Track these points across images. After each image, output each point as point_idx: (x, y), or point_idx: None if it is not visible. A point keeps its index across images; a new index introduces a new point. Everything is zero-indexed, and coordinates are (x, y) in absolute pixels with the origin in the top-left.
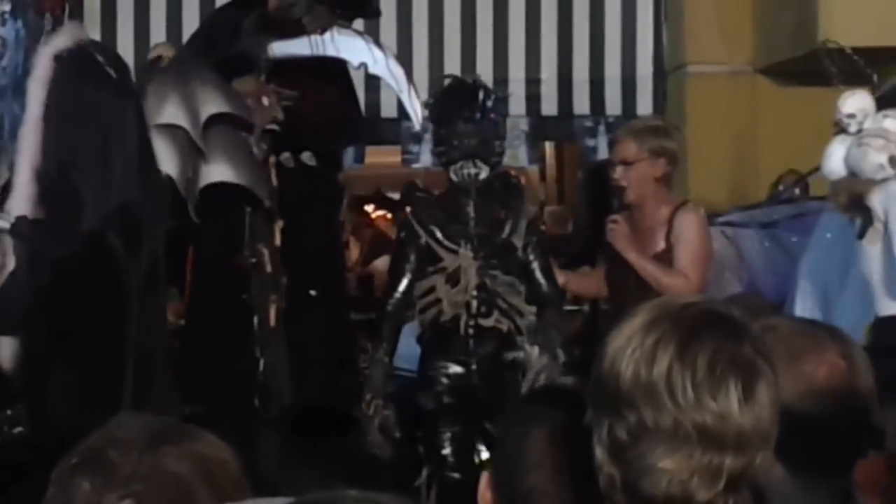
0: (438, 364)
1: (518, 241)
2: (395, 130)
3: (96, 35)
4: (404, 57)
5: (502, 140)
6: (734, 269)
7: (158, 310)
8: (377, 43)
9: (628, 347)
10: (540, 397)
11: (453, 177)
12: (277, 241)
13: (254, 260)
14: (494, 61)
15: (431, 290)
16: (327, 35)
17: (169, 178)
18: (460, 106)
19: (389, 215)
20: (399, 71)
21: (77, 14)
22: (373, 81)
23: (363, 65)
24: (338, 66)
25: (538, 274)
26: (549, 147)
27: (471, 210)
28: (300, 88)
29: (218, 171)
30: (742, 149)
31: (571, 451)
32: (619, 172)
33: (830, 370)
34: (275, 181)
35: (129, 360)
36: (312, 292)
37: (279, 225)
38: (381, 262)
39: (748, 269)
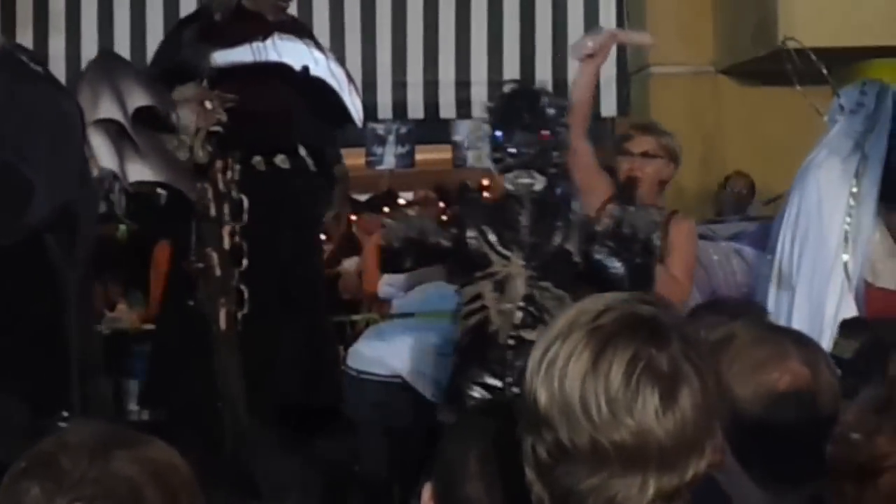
0: (472, 373)
1: (572, 248)
2: (358, 133)
3: (61, 41)
4: (369, 60)
5: (563, 150)
6: (697, 281)
7: (91, 315)
8: (318, 46)
9: (543, 362)
10: (482, 410)
11: (508, 186)
12: (226, 244)
13: (201, 265)
14: (456, 64)
15: (478, 296)
16: (269, 41)
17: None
18: (520, 113)
19: (354, 217)
20: (340, 71)
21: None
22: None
23: (305, 68)
24: (288, 70)
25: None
26: None
27: (524, 218)
28: (247, 92)
29: (137, 171)
30: (705, 149)
31: (507, 464)
32: (636, 163)
33: (793, 378)
34: (234, 184)
35: (71, 366)
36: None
37: (227, 229)
38: (349, 264)
39: (710, 281)
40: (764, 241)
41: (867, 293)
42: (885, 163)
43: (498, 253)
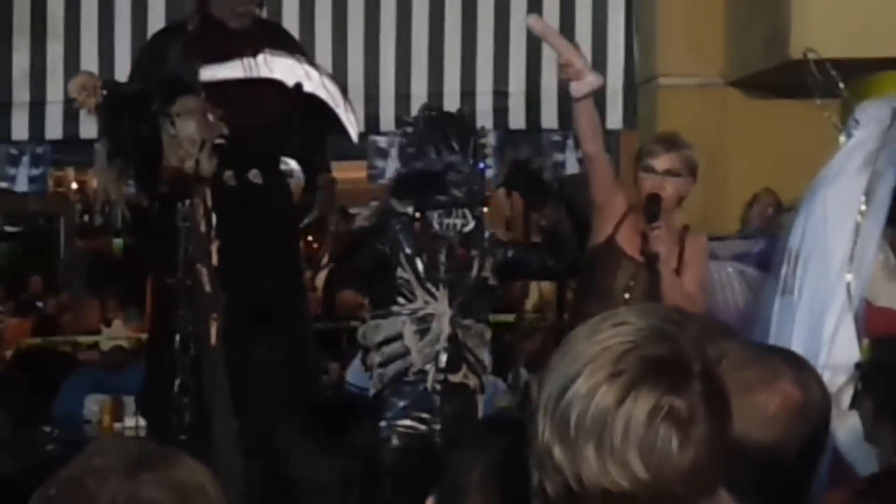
0: (395, 415)
1: (488, 272)
2: (360, 146)
3: (59, 49)
4: (371, 72)
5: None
6: None
7: None
8: (311, 62)
9: (560, 402)
10: (488, 426)
11: (435, 226)
12: (215, 260)
13: (189, 281)
14: (462, 74)
15: (398, 336)
16: (259, 57)
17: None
18: (441, 142)
19: None
20: (334, 88)
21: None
22: None
23: (298, 84)
24: (279, 86)
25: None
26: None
27: (442, 255)
28: (229, 106)
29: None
30: (713, 161)
31: (509, 481)
32: (659, 181)
33: (784, 400)
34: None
35: None
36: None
37: (216, 245)
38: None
39: (710, 302)
40: (768, 262)
41: (868, 313)
42: None
43: (424, 288)
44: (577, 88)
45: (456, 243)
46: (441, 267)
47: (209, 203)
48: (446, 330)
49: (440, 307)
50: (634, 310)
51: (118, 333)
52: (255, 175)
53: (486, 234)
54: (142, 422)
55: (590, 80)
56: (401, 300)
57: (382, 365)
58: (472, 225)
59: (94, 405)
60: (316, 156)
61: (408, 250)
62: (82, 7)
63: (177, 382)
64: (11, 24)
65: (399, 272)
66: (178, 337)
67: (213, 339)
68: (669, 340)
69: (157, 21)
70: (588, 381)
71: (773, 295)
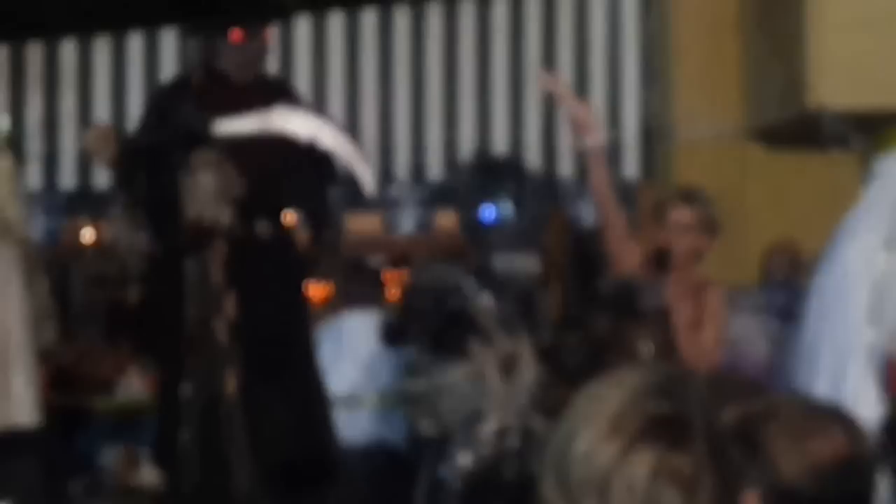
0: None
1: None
2: (375, 197)
3: (72, 99)
4: (386, 122)
5: None
6: None
7: None
8: (323, 116)
9: (563, 458)
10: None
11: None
12: (230, 312)
13: (205, 332)
14: (477, 124)
15: (477, 374)
16: (274, 111)
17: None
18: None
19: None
20: (347, 143)
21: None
22: None
23: (311, 138)
24: (292, 140)
25: None
26: None
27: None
28: (241, 159)
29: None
30: (731, 212)
31: None
32: (671, 236)
33: (835, 451)
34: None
35: None
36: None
37: (231, 297)
38: None
39: (731, 354)
40: (791, 314)
41: (890, 369)
42: None
43: (505, 330)
44: (587, 143)
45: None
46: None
47: (224, 254)
48: (531, 371)
49: (522, 348)
50: (636, 367)
51: (134, 384)
52: (262, 227)
53: None
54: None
55: (599, 134)
56: (476, 345)
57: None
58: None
59: (109, 456)
60: (321, 209)
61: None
62: (95, 57)
63: (192, 433)
64: (24, 74)
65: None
66: (191, 388)
67: (230, 390)
68: (670, 397)
69: (169, 72)
70: (588, 440)
71: (795, 350)
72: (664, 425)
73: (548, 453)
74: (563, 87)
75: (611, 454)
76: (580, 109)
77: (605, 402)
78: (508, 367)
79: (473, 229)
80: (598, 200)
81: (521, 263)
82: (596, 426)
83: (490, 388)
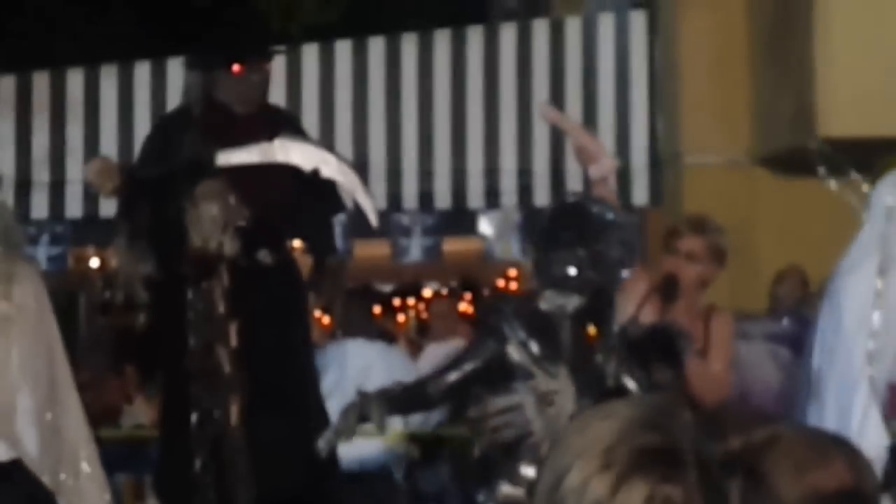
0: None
1: (610, 370)
2: (384, 224)
3: (79, 129)
4: (394, 149)
5: (607, 267)
6: None
7: None
8: (327, 148)
9: (556, 493)
10: None
11: (543, 304)
12: (234, 341)
13: (208, 362)
14: (486, 151)
15: (516, 407)
16: (276, 142)
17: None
18: (559, 232)
19: (379, 309)
20: (351, 173)
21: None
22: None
23: (315, 169)
24: (288, 168)
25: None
26: None
27: (565, 334)
28: (244, 189)
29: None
30: (740, 238)
31: None
32: (680, 265)
33: (839, 482)
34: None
35: None
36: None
37: (234, 325)
38: None
39: (741, 382)
40: (800, 341)
41: (892, 398)
42: None
43: (542, 368)
44: (592, 172)
45: (564, 319)
46: (563, 346)
47: (227, 283)
48: (570, 407)
49: (563, 385)
50: (626, 401)
51: (140, 412)
52: (264, 255)
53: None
54: None
55: (605, 163)
56: (515, 383)
57: (492, 430)
58: (573, 305)
59: (114, 486)
60: (325, 238)
61: (516, 337)
62: (101, 87)
63: (197, 463)
64: (31, 103)
65: (512, 360)
66: (195, 417)
67: (235, 419)
68: (661, 430)
69: (175, 102)
70: (580, 474)
71: (804, 380)
72: (655, 457)
73: (540, 488)
74: (566, 117)
75: (603, 487)
76: (585, 139)
77: (596, 435)
78: (547, 401)
79: (546, 274)
80: None
81: (563, 300)
82: (588, 460)
83: (530, 420)
